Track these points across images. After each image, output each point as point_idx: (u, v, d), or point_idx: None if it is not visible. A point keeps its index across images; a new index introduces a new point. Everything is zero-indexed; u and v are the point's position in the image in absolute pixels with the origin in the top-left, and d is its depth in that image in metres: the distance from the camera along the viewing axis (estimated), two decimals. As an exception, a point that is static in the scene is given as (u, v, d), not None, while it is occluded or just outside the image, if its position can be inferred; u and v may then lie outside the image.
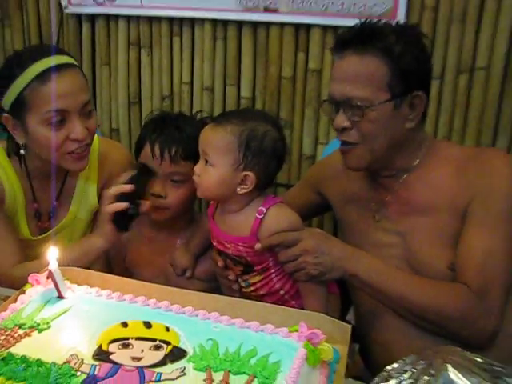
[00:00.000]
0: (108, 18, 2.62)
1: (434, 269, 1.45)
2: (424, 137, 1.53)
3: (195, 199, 1.68)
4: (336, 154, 1.61)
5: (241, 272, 1.45)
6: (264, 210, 1.39)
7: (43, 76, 1.49)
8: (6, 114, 1.56)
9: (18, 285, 1.26)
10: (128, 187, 1.47)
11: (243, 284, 1.47)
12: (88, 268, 1.42)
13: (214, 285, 1.56)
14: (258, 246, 1.39)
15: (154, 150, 1.60)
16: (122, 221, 1.49)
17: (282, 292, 1.44)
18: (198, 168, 1.39)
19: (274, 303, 1.29)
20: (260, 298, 1.42)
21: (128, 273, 1.69)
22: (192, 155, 1.55)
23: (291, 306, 1.30)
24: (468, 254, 1.41)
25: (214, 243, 1.48)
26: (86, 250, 1.52)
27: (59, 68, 1.51)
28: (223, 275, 1.50)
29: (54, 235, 1.72)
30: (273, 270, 1.43)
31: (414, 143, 1.49)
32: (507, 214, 1.41)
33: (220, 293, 1.42)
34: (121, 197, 1.48)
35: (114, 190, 1.48)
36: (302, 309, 1.32)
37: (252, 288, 1.46)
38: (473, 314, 1.37)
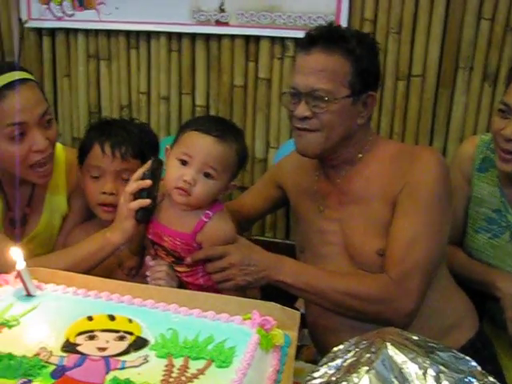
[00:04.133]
0: (67, 31, 2.67)
1: (364, 253, 1.56)
2: (370, 133, 1.63)
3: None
4: (293, 154, 1.70)
5: (171, 262, 1.48)
6: (210, 214, 1.43)
7: None
8: None
9: None
10: (148, 182, 1.45)
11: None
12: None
13: None
14: (188, 260, 1.44)
15: (105, 149, 1.62)
16: (143, 215, 1.46)
17: (204, 286, 1.47)
18: (192, 178, 1.38)
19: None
20: (183, 285, 1.48)
21: None
22: (139, 154, 1.64)
23: None
24: (392, 241, 1.51)
25: (149, 236, 1.49)
26: (102, 245, 1.49)
27: (12, 85, 1.54)
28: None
29: (30, 241, 1.73)
30: (200, 267, 1.47)
31: (361, 139, 1.59)
32: (430, 204, 1.51)
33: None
34: (139, 192, 1.46)
35: (133, 186, 1.46)
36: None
37: (178, 275, 1.48)
38: (390, 297, 1.46)
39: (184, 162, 1.40)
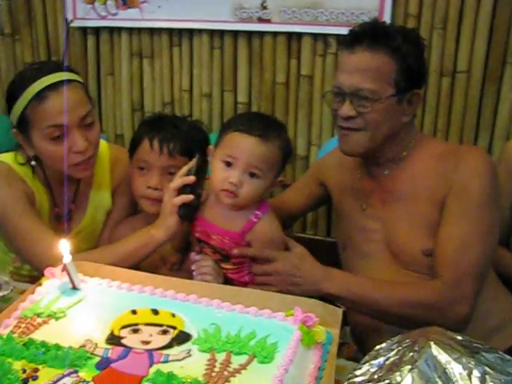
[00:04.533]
0: (111, 30, 2.72)
1: (409, 253, 1.54)
2: (414, 131, 1.61)
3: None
4: (336, 151, 1.69)
5: (218, 259, 1.48)
6: (260, 215, 1.44)
7: (41, 95, 1.55)
8: (14, 130, 1.64)
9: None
10: (191, 178, 1.46)
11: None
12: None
13: None
14: (235, 251, 1.43)
15: (154, 144, 1.64)
16: (186, 212, 1.47)
17: (249, 284, 1.47)
18: (238, 180, 1.38)
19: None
20: (228, 281, 1.48)
21: None
22: (187, 151, 1.64)
23: None
24: (443, 245, 1.48)
25: (196, 234, 1.49)
26: (145, 242, 1.50)
27: (56, 86, 1.56)
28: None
29: (75, 237, 1.74)
30: (246, 265, 1.48)
31: (405, 137, 1.57)
32: (480, 206, 1.48)
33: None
34: (183, 188, 1.46)
35: (178, 182, 1.46)
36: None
37: (223, 271, 1.48)
38: (446, 303, 1.44)
39: (228, 164, 1.40)
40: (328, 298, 1.45)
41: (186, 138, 1.66)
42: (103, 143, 1.84)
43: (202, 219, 1.48)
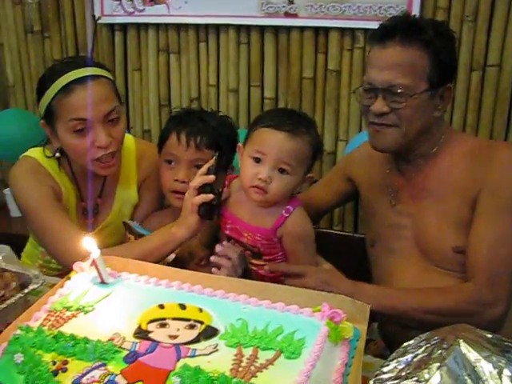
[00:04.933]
0: (138, 26, 2.75)
1: (439, 250, 1.53)
2: (444, 127, 1.59)
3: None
4: (363, 146, 1.69)
5: (249, 256, 1.49)
6: (291, 209, 1.43)
7: (67, 88, 1.57)
8: (42, 121, 1.67)
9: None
10: (211, 177, 1.46)
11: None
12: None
13: None
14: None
15: (181, 138, 1.65)
16: (206, 210, 1.47)
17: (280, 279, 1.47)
18: (267, 176, 1.37)
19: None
20: (257, 277, 1.49)
21: None
22: (214, 145, 1.64)
23: None
24: (476, 245, 1.46)
25: (227, 231, 1.50)
26: (167, 240, 1.52)
27: (83, 80, 1.58)
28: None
29: (101, 231, 1.79)
30: (278, 260, 1.48)
31: (436, 132, 1.55)
32: None
33: (243, 277, 1.47)
34: (203, 187, 1.47)
35: (198, 181, 1.47)
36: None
37: (254, 268, 1.50)
38: (481, 307, 1.42)
39: (258, 160, 1.40)
40: None
41: (214, 132, 1.67)
42: (130, 138, 1.86)
43: (232, 217, 1.49)
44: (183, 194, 1.61)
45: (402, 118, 1.47)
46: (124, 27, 2.79)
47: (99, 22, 2.77)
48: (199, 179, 1.47)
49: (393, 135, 1.50)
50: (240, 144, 1.49)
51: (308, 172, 1.45)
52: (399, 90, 1.44)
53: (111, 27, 2.82)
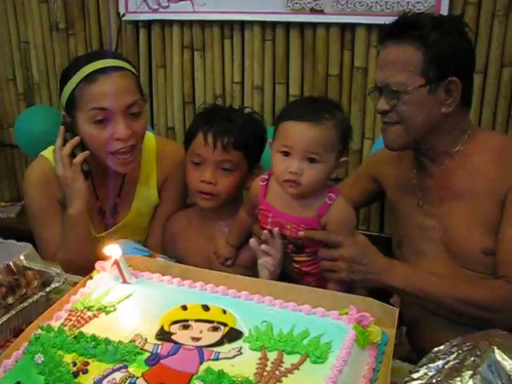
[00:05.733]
0: (163, 23, 2.73)
1: (468, 252, 1.50)
2: (468, 125, 1.57)
3: (243, 189, 1.72)
4: None
5: (291, 251, 1.48)
6: (334, 196, 1.42)
7: (91, 77, 1.57)
8: (63, 113, 1.66)
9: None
10: (77, 139, 1.62)
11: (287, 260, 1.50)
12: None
13: (255, 271, 1.56)
14: (301, 233, 1.42)
15: (207, 138, 1.62)
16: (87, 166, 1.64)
17: (322, 275, 1.46)
18: (297, 168, 1.37)
19: (310, 282, 1.38)
20: (301, 275, 1.48)
21: (180, 260, 1.71)
22: (242, 145, 1.62)
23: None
24: (505, 245, 1.44)
25: (268, 226, 1.48)
26: (70, 225, 1.64)
27: (107, 70, 1.58)
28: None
29: (120, 229, 1.79)
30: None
31: (456, 129, 1.53)
32: None
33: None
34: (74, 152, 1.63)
35: (67, 148, 1.61)
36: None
37: (297, 265, 1.49)
38: (509, 305, 1.40)
39: (286, 154, 1.40)
40: (383, 289, 1.46)
41: (241, 132, 1.64)
42: (150, 136, 1.85)
43: (273, 210, 1.48)
44: (210, 194, 1.64)
45: (401, 114, 1.49)
46: (148, 24, 2.78)
47: (124, 19, 2.76)
48: (68, 146, 1.60)
49: (396, 132, 1.52)
50: (270, 140, 1.49)
51: (341, 156, 1.44)
52: (394, 88, 1.47)
53: (136, 24, 2.81)
